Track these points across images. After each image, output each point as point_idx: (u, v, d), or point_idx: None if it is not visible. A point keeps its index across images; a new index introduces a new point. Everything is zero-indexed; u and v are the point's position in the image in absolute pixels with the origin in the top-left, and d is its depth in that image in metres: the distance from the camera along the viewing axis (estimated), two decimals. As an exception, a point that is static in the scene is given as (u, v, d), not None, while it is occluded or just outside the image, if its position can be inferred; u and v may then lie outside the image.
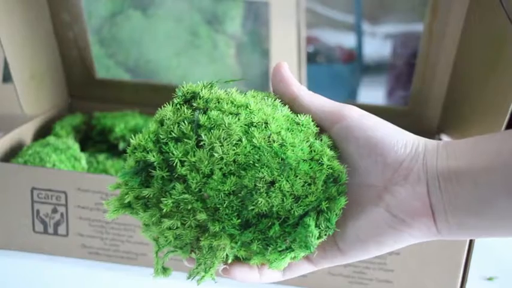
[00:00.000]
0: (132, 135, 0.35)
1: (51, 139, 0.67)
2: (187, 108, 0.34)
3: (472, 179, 0.30)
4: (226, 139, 0.32)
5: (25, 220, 0.60)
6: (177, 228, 0.33)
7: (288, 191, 0.31)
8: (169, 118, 0.34)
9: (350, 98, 1.23)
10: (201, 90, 0.34)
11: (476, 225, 0.31)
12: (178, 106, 0.34)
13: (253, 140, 0.32)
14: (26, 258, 0.61)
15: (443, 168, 0.31)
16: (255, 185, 0.31)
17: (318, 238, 0.32)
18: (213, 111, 0.33)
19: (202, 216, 0.32)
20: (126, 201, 0.34)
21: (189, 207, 0.32)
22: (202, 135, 0.32)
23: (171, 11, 1.00)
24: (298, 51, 0.98)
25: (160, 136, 0.34)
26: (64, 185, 0.58)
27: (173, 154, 0.32)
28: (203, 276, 0.34)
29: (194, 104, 0.34)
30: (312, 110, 0.34)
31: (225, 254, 0.32)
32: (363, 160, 0.33)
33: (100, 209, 0.59)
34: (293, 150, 0.32)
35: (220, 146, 0.32)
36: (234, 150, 0.32)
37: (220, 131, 0.32)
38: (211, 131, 0.32)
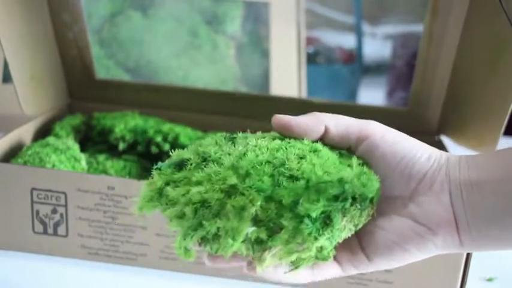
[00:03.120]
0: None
1: (51, 139, 0.67)
2: (224, 139, 0.37)
3: (493, 190, 0.32)
4: (259, 138, 0.35)
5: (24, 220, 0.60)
6: (205, 192, 0.32)
7: (319, 164, 0.32)
8: (207, 141, 0.37)
9: (350, 98, 1.23)
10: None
11: (499, 237, 0.32)
12: (216, 137, 0.37)
13: (287, 138, 0.35)
14: (25, 259, 0.61)
15: (465, 179, 0.33)
16: (287, 157, 0.33)
17: (352, 199, 0.31)
18: (249, 136, 0.36)
19: (232, 180, 0.32)
20: (158, 186, 0.35)
21: (220, 176, 0.33)
22: (239, 140, 0.35)
23: (171, 12, 1.00)
24: (298, 51, 0.98)
25: (199, 147, 0.36)
26: (64, 186, 0.58)
27: (210, 150, 0.35)
28: (232, 245, 0.31)
29: (232, 135, 0.37)
30: (338, 131, 0.36)
31: (253, 211, 0.31)
32: (389, 173, 0.34)
33: (100, 210, 0.59)
34: (323, 149, 0.34)
35: (255, 140, 0.35)
36: (267, 142, 0.34)
37: (255, 138, 0.35)
38: (247, 138, 0.36)
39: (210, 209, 0.32)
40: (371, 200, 0.33)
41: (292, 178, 0.32)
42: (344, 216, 0.31)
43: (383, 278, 0.57)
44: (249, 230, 0.31)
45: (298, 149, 0.34)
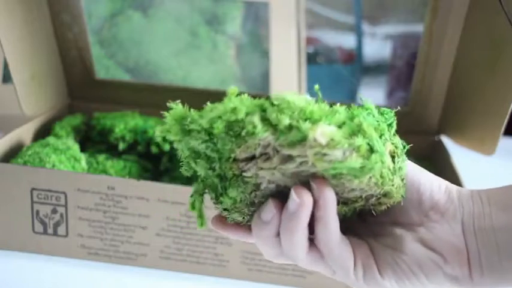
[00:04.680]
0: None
1: (51, 139, 0.67)
2: None
3: (506, 225, 0.32)
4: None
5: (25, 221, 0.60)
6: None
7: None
8: None
9: (350, 98, 1.23)
10: None
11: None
12: None
13: None
14: (25, 259, 0.61)
15: (480, 213, 0.33)
16: None
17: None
18: None
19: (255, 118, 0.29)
20: (186, 127, 0.33)
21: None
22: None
23: (171, 12, 1.00)
24: (298, 51, 0.98)
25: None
26: (64, 186, 0.58)
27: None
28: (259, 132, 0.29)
29: None
30: None
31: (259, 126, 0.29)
32: (405, 201, 0.34)
33: (100, 210, 0.59)
34: None
35: None
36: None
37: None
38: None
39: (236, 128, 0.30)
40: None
41: None
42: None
43: (383, 278, 0.57)
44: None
45: None
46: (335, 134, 0.29)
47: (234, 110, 0.30)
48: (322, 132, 0.28)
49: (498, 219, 0.32)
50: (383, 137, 0.32)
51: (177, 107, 0.33)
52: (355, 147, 0.29)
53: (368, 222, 0.36)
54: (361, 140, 0.29)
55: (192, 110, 0.33)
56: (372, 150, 0.30)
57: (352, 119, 0.31)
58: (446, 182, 0.35)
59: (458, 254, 0.33)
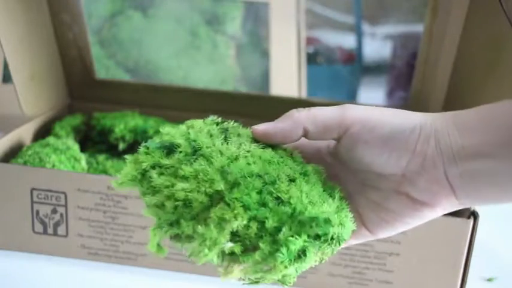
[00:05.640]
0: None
1: (50, 139, 0.67)
2: (216, 125, 0.36)
3: (491, 156, 0.31)
4: (253, 143, 0.34)
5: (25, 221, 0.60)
6: (190, 191, 0.32)
7: (306, 193, 0.32)
8: (199, 126, 0.36)
9: (350, 98, 1.23)
10: (230, 121, 0.37)
11: (499, 197, 0.32)
12: (208, 123, 0.36)
13: (278, 150, 0.35)
14: (25, 259, 0.61)
15: (459, 148, 0.32)
16: (278, 175, 0.32)
17: (330, 239, 0.31)
18: (240, 129, 0.36)
19: (219, 185, 0.31)
20: (142, 167, 0.33)
21: (208, 177, 0.31)
22: (231, 135, 0.34)
23: (171, 12, 1.00)
24: (298, 51, 0.98)
25: (190, 132, 0.35)
26: (64, 186, 0.58)
27: (201, 141, 0.33)
28: (206, 255, 0.31)
29: (224, 124, 0.36)
30: (317, 130, 0.35)
31: (235, 227, 0.30)
32: (377, 158, 0.34)
33: (100, 210, 0.59)
34: (312, 170, 0.35)
35: (249, 144, 0.34)
36: (261, 151, 0.34)
37: (248, 138, 0.35)
38: (240, 136, 0.35)
39: (190, 209, 0.32)
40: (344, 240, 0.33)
41: (279, 200, 0.31)
42: (317, 252, 0.32)
43: (383, 278, 0.57)
44: (227, 244, 0.31)
45: (290, 168, 0.33)
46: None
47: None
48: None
49: (481, 153, 0.31)
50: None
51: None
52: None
53: (355, 172, 0.36)
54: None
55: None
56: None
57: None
58: (418, 117, 0.33)
59: (445, 197, 0.33)
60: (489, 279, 0.63)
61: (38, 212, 0.59)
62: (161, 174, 0.33)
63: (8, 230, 0.61)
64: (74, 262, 0.60)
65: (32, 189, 0.59)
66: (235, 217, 0.30)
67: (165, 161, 0.33)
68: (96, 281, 0.58)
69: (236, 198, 0.30)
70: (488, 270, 0.64)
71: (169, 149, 0.33)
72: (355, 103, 1.16)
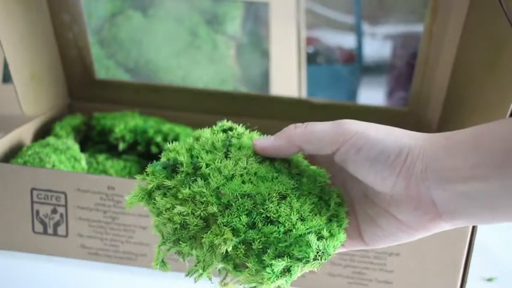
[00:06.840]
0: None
1: (50, 139, 0.67)
2: (222, 134, 0.39)
3: (483, 178, 0.31)
4: (251, 157, 0.37)
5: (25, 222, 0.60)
6: (186, 214, 0.35)
7: (296, 209, 0.34)
8: (205, 137, 0.39)
9: (350, 98, 1.23)
10: (237, 127, 0.40)
11: (490, 218, 0.32)
12: (215, 131, 0.39)
13: (275, 163, 0.37)
14: (25, 259, 0.61)
15: (449, 172, 0.32)
16: (269, 194, 0.35)
17: (313, 259, 0.33)
18: (244, 138, 0.38)
19: (213, 208, 0.34)
20: (148, 188, 0.37)
21: (204, 199, 0.34)
22: (232, 150, 0.37)
23: (171, 12, 1.00)
24: (298, 51, 0.98)
25: (194, 147, 0.38)
26: (64, 186, 0.58)
27: (202, 158, 0.36)
28: (201, 274, 0.36)
29: (230, 133, 0.39)
30: (312, 148, 0.36)
31: (224, 250, 0.33)
32: (365, 177, 0.35)
33: (100, 210, 0.59)
34: (307, 181, 0.37)
35: (246, 160, 0.36)
36: (257, 166, 0.36)
37: (248, 150, 0.37)
38: (240, 149, 0.37)
39: (188, 231, 0.35)
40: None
41: (268, 220, 0.34)
42: (302, 268, 0.34)
43: (383, 278, 0.57)
44: (219, 265, 0.35)
45: (283, 184, 0.35)
46: None
47: None
48: None
49: (472, 178, 0.31)
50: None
51: None
52: None
53: (359, 181, 0.37)
54: None
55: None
56: None
57: None
58: (406, 140, 0.34)
59: (432, 222, 0.34)
60: (489, 279, 0.63)
61: (38, 212, 0.59)
62: (164, 195, 0.36)
63: (8, 230, 0.61)
64: (74, 262, 0.60)
65: (32, 189, 0.59)
66: (225, 241, 0.33)
67: (168, 182, 0.36)
68: (96, 281, 0.58)
69: (227, 222, 0.33)
70: (488, 270, 0.64)
71: (173, 168, 0.37)
72: (355, 103, 1.16)
